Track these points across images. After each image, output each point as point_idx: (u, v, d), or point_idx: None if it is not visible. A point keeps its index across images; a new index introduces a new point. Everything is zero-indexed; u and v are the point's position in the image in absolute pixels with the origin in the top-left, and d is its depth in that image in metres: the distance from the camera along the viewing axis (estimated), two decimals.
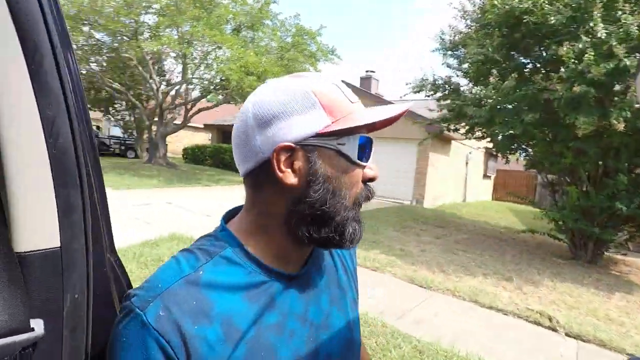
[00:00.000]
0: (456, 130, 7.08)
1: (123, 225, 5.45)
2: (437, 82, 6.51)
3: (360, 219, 0.55)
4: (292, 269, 0.56)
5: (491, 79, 4.94)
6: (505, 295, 4.09)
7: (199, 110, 14.21)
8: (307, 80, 0.53)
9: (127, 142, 18.54)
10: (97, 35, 12.94)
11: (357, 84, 15.92)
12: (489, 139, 6.98)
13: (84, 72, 13.53)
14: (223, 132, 19.27)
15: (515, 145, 6.17)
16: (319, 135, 0.50)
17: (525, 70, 5.47)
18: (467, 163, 14.76)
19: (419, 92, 6.75)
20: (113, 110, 18.48)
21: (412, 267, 4.76)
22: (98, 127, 19.40)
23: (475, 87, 5.90)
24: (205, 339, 0.46)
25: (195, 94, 15.30)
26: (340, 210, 0.52)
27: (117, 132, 19.60)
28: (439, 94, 6.70)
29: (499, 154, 7.18)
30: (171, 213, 6.75)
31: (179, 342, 0.45)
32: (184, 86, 14.66)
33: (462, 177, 14.71)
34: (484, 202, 15.60)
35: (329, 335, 0.57)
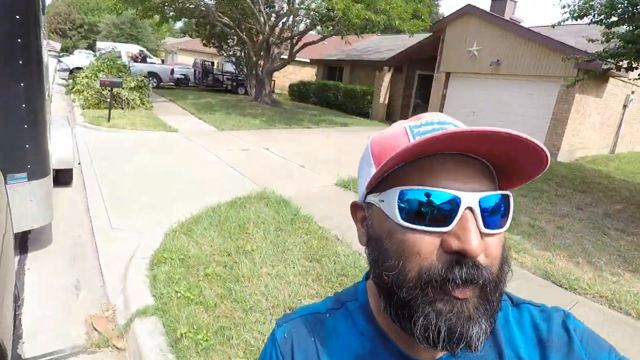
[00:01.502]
0: (631, 69, 5.12)
1: (216, 178, 5.43)
2: (614, 1, 4.56)
3: (448, 310, 0.40)
4: (425, 356, 0.47)
5: None
6: None
7: (304, 45, 13.56)
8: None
9: (238, 78, 19.17)
10: None
11: (488, 8, 13.19)
12: None
13: (193, 6, 13.78)
14: (329, 68, 18.46)
15: None
16: (369, 192, 0.48)
17: None
18: (625, 106, 11.55)
19: (580, 17, 4.87)
20: (226, 46, 19.01)
21: (546, 253, 3.72)
22: (213, 63, 20.35)
23: None
24: None
25: (302, 27, 14.59)
26: (397, 284, 0.42)
27: (230, 68, 20.34)
28: (614, 18, 4.76)
29: None
30: (267, 161, 6.60)
31: None
32: (290, 18, 14.03)
33: (615, 122, 11.65)
34: None
35: None
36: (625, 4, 4.48)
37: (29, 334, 2.13)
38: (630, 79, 9.75)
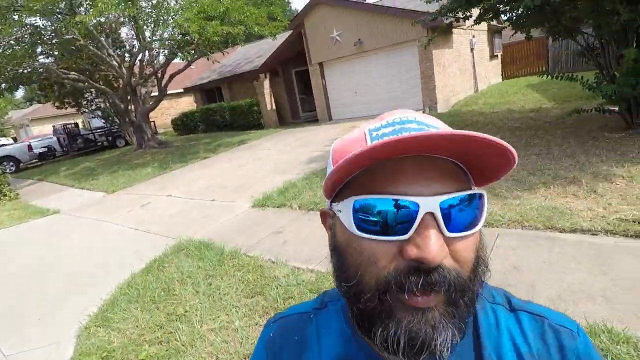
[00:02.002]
0: (467, 18, 5.83)
1: (121, 247, 4.82)
2: None
3: (406, 318, 0.38)
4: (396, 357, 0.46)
5: None
6: (583, 206, 3.36)
7: (172, 76, 12.83)
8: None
9: (112, 130, 17.47)
10: (33, 22, 11.30)
11: None
12: (505, 18, 5.74)
13: (29, 70, 12.09)
14: (206, 91, 17.82)
15: (546, 15, 4.96)
16: (332, 200, 0.46)
17: None
18: (472, 49, 13.27)
19: None
20: (85, 102, 17.15)
21: None
22: (77, 124, 18.21)
23: None
24: None
25: (162, 59, 13.76)
26: (357, 294, 0.41)
27: (99, 123, 18.41)
28: None
29: (519, 32, 5.96)
30: (173, 208, 6.07)
31: None
32: (147, 53, 13.11)
33: (470, 66, 13.33)
34: (498, 86, 14.30)
35: None
36: None
37: None
38: (467, 27, 11.22)
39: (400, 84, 11.41)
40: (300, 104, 15.43)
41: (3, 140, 17.36)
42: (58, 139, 17.44)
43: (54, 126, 18.54)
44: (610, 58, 5.07)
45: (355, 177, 0.41)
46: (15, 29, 10.62)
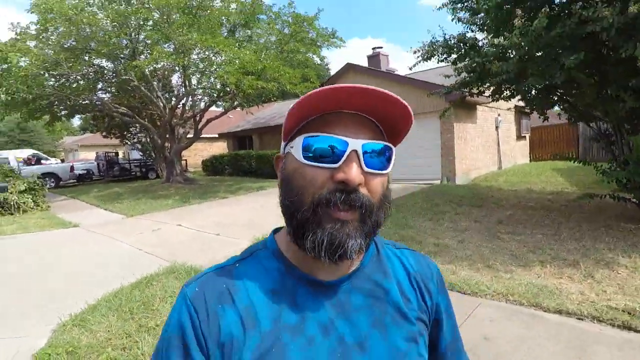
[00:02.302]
0: (481, 93, 6.13)
1: (122, 263, 5.02)
2: (449, 42, 5.56)
3: (330, 227, 0.51)
4: (324, 277, 0.58)
5: (516, 22, 3.98)
6: (575, 289, 3.26)
7: (208, 121, 13.78)
8: None
9: (147, 163, 18.55)
10: (100, 62, 12.77)
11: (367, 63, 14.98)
12: (519, 97, 5.98)
13: (87, 102, 13.43)
14: (238, 139, 18.84)
15: (555, 97, 5.16)
16: (286, 143, 0.59)
17: (556, 3, 4.42)
18: (497, 127, 13.53)
19: (429, 58, 5.83)
20: (129, 135, 18.53)
21: (450, 266, 3.99)
22: (117, 153, 19.52)
23: (496, 39, 4.92)
24: (225, 318, 0.54)
25: (203, 105, 14.91)
26: (296, 208, 0.53)
27: (137, 155, 19.67)
28: (453, 56, 5.76)
29: (535, 111, 6.15)
30: (180, 236, 6.29)
31: (205, 315, 0.54)
32: (189, 98, 14.30)
33: (494, 143, 13.50)
34: (523, 167, 14.25)
35: (363, 358, 0.55)
36: (457, 43, 5.47)
37: None
38: (490, 105, 11.59)
39: (421, 152, 11.67)
40: None
41: (51, 160, 18.76)
42: (98, 164, 18.68)
43: (97, 153, 19.96)
44: (622, 144, 5.10)
45: (306, 124, 0.56)
46: (84, 67, 12.03)
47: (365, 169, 0.52)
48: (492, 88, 5.67)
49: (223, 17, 12.38)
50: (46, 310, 3.55)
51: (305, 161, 0.53)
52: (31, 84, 10.44)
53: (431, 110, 10.84)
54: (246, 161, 16.13)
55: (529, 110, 7.00)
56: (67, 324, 3.04)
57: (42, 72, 10.74)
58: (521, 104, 7.35)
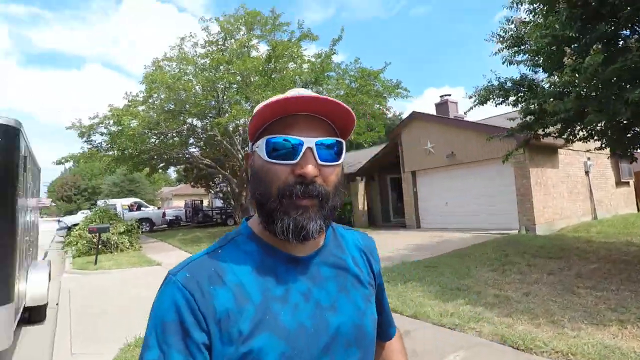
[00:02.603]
0: (547, 135, 5.74)
1: None
2: (505, 86, 5.43)
3: (294, 213, 0.60)
4: (298, 253, 0.66)
5: (565, 60, 3.82)
6: None
7: None
8: None
9: (227, 211, 20.13)
10: (192, 121, 14.78)
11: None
12: (596, 137, 5.48)
13: (179, 155, 15.38)
14: None
15: (630, 134, 4.64)
16: (252, 143, 0.67)
17: (610, 39, 4.15)
18: (587, 172, 12.20)
19: (484, 102, 5.71)
20: (213, 185, 20.51)
21: (506, 319, 3.65)
22: (201, 202, 21.57)
23: (550, 77, 4.71)
24: (219, 297, 0.59)
25: None
26: (265, 200, 0.62)
27: (219, 203, 21.55)
28: (511, 98, 5.58)
29: (618, 152, 5.55)
30: None
31: (200, 295, 0.58)
32: None
33: (585, 189, 12.12)
34: (626, 217, 12.38)
35: (336, 317, 0.65)
36: (514, 85, 5.31)
37: None
38: (575, 148, 10.59)
39: (492, 199, 10.96)
40: (393, 208, 15.71)
41: (150, 207, 21.48)
42: (185, 211, 20.81)
43: (185, 201, 22.31)
44: None
45: (268, 126, 0.63)
46: (179, 126, 14.02)
47: (319, 162, 0.60)
48: (557, 128, 5.31)
49: (296, 77, 13.62)
50: (119, 332, 4.03)
51: (269, 159, 0.61)
52: (137, 142, 12.41)
53: (500, 156, 10.28)
54: None
55: (620, 153, 6.25)
56: (131, 345, 3.43)
57: (146, 131, 12.78)
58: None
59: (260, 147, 0.62)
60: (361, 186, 15.20)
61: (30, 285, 4.46)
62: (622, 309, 3.76)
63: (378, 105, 13.86)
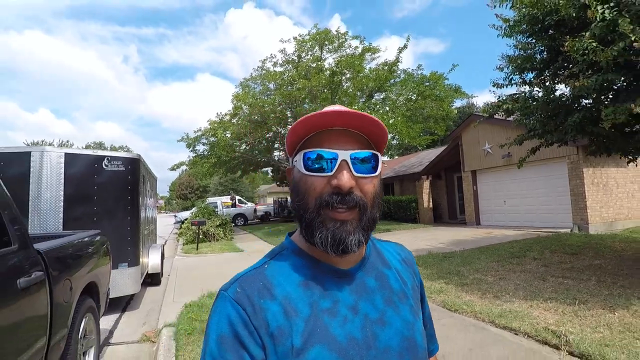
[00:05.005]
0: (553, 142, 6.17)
1: None
2: (504, 102, 6.16)
3: (332, 225, 0.62)
4: (342, 266, 0.68)
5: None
6: (552, 320, 3.77)
7: None
8: None
9: None
10: (276, 130, 17.35)
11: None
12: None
13: (265, 160, 18.17)
14: (384, 185, 20.87)
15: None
16: (292, 157, 0.71)
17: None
18: None
19: (492, 115, 6.54)
20: None
21: (463, 294, 4.80)
22: (286, 200, 24.41)
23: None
24: (270, 311, 0.61)
25: None
26: (304, 211, 0.65)
27: None
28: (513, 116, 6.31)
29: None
30: None
31: (252, 309, 0.60)
32: None
33: None
34: None
35: (385, 330, 0.66)
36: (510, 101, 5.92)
37: (118, 337, 4.22)
38: None
39: (549, 198, 11.04)
40: (459, 206, 16.17)
41: (248, 204, 25.13)
42: (274, 207, 23.86)
43: (274, 198, 25.46)
44: None
45: (306, 141, 0.66)
46: (263, 134, 16.68)
47: (355, 174, 0.62)
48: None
49: (363, 86, 15.02)
50: (203, 291, 6.20)
51: (306, 172, 0.64)
52: (229, 150, 15.34)
53: (555, 156, 10.40)
54: (385, 205, 17.88)
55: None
56: (204, 295, 5.50)
57: (236, 142, 15.68)
58: None
59: (298, 160, 0.66)
60: (426, 184, 16.01)
61: (150, 259, 6.67)
62: (564, 292, 4.57)
63: (440, 109, 14.58)
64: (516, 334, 3.50)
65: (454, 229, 12.83)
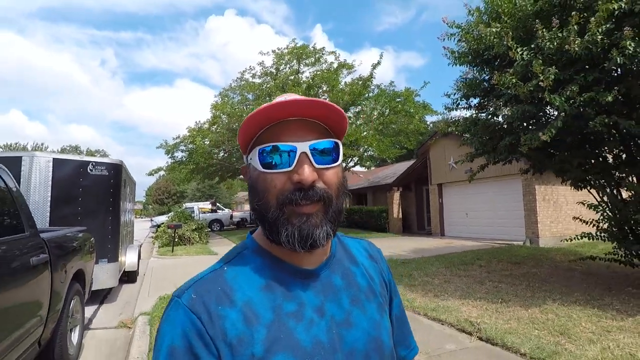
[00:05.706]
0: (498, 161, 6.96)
1: None
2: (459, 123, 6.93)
3: (297, 221, 0.58)
4: (307, 266, 0.64)
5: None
6: (474, 314, 4.45)
7: None
8: None
9: None
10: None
11: None
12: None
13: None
14: (358, 195, 21.67)
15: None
16: (246, 156, 0.66)
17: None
18: None
19: (446, 134, 7.35)
20: None
21: (409, 293, 5.46)
22: None
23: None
24: (229, 318, 0.56)
25: None
26: (265, 210, 0.60)
27: None
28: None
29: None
30: None
31: (207, 318, 0.55)
32: None
33: None
34: None
35: (351, 332, 0.62)
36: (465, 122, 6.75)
37: (97, 324, 4.64)
38: None
39: (506, 212, 11.99)
40: (427, 217, 17.05)
41: (225, 210, 25.41)
42: (250, 214, 24.24)
43: None
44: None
45: (259, 136, 0.62)
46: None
47: (317, 166, 0.59)
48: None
49: (339, 100, 15.80)
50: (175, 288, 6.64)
51: (264, 169, 0.59)
52: (207, 157, 15.78)
53: (511, 173, 11.35)
54: (357, 215, 18.59)
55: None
56: (164, 298, 5.95)
57: (214, 150, 16.14)
58: None
59: (254, 157, 0.62)
60: (397, 196, 16.83)
61: (127, 257, 7.08)
62: (495, 294, 5.29)
63: (411, 124, 15.52)
64: (442, 323, 4.17)
65: (419, 239, 13.62)
